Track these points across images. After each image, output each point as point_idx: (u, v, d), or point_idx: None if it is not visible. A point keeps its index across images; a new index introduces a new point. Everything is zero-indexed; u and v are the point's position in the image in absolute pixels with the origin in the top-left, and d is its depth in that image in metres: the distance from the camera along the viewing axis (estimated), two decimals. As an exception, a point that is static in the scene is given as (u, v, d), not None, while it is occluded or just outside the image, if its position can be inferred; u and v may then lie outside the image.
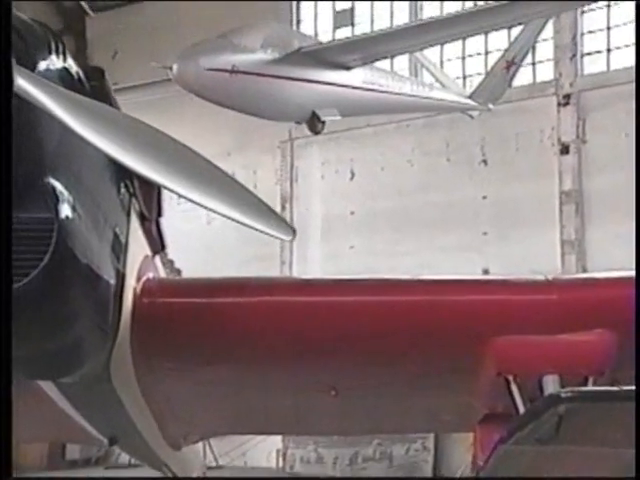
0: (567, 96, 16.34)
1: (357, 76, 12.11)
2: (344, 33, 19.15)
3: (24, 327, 3.36)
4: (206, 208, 2.90)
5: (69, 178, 3.30)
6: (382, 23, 19.01)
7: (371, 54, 11.51)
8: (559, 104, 16.43)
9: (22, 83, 2.67)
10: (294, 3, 20.53)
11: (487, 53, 17.67)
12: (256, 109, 11.26)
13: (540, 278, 4.78)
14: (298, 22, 20.37)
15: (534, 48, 15.80)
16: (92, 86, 3.52)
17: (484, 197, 17.18)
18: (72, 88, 3.09)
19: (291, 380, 5.05)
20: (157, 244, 5.14)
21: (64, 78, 3.13)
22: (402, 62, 17.47)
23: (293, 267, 19.82)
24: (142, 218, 4.62)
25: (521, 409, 4.58)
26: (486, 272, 16.48)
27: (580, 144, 16.18)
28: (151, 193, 4.56)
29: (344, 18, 19.61)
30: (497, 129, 16.83)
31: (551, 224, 16.17)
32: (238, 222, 2.96)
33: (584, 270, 15.63)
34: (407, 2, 18.89)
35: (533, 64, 16.87)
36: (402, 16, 18.76)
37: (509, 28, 14.73)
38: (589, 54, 16.62)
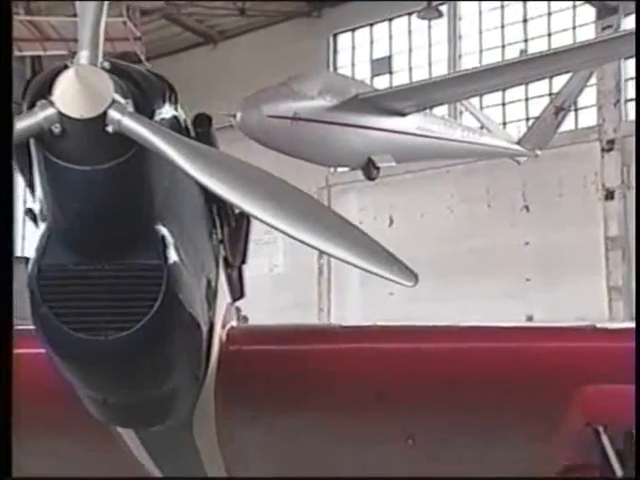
0: (611, 142, 16.28)
1: (411, 122, 12.17)
2: (382, 81, 19.32)
3: (128, 374, 3.32)
4: (326, 254, 2.85)
5: (174, 225, 3.29)
6: (420, 71, 19.21)
7: (426, 101, 11.58)
8: (603, 150, 16.37)
9: (142, 130, 2.68)
10: (331, 50, 20.82)
11: (527, 99, 17.75)
12: (315, 155, 11.30)
13: (631, 325, 4.68)
14: (335, 70, 20.61)
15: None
16: (198, 132, 3.54)
17: (526, 243, 17.05)
18: (180, 134, 3.09)
19: (370, 428, 4.96)
20: (237, 291, 5.11)
21: (173, 125, 3.15)
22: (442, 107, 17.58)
23: (331, 314, 19.72)
24: (226, 264, 4.61)
25: (613, 461, 4.44)
26: (530, 319, 16.26)
27: (625, 190, 16.07)
28: (239, 239, 4.54)
29: (382, 66, 19.81)
30: (538, 175, 16.77)
31: (597, 270, 15.98)
32: (360, 268, 2.90)
33: (633, 317, 15.37)
34: (445, 51, 19.09)
35: (576, 110, 16.88)
36: (440, 66, 18.94)
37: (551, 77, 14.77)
38: (633, 100, 16.60)
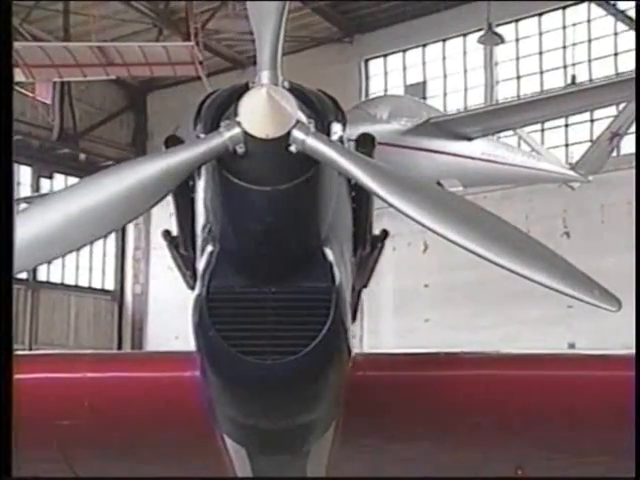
0: (656, 168, 16.19)
1: (477, 147, 12.13)
2: (415, 106, 19.29)
3: (287, 400, 3.19)
4: (526, 278, 2.73)
5: (336, 246, 3.23)
6: (455, 97, 19.22)
7: (493, 126, 11.54)
8: (648, 176, 16.26)
9: (327, 150, 2.58)
10: (364, 76, 20.87)
11: (567, 126, 17.71)
12: (387, 180, 11.19)
13: None
14: (367, 95, 20.63)
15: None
16: (360, 153, 3.48)
17: (568, 269, 16.81)
18: None
19: (481, 457, 4.82)
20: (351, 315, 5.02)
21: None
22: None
23: (364, 341, 19.54)
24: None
25: None
26: (572, 346, 16.09)
27: (671, 216, 15.93)
28: (367, 264, 4.45)
29: (416, 92, 19.79)
30: (579, 201, 16.68)
31: (642, 297, 15.79)
32: (562, 292, 2.79)
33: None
34: (481, 77, 19.12)
35: (619, 136, 16.83)
36: (476, 92, 18.92)
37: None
38: (678, 127, 16.55)
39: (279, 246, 2.86)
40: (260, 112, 2.47)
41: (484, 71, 19.05)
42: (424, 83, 19.84)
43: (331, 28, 21.21)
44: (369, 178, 2.61)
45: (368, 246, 3.95)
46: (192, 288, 3.56)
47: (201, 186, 2.93)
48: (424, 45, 20.04)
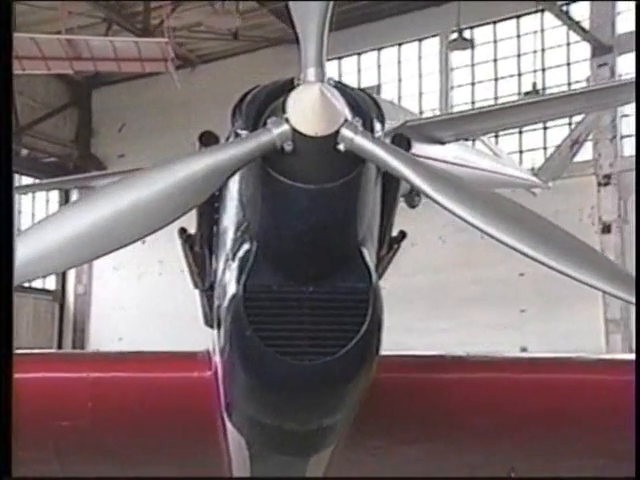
0: (607, 176, 16.61)
1: (449, 151, 12.20)
2: (370, 110, 19.32)
3: (318, 401, 3.14)
4: (583, 282, 2.70)
5: (371, 246, 3.15)
6: (410, 101, 19.36)
7: (465, 131, 11.63)
8: (599, 184, 16.65)
9: (376, 149, 2.55)
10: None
11: (521, 132, 18.02)
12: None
13: None
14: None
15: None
16: None
17: (521, 274, 17.14)
18: None
19: (476, 460, 4.85)
20: None
21: None
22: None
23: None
24: None
25: None
26: (524, 350, 16.34)
27: (622, 224, 16.36)
28: (382, 263, 4.44)
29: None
30: (534, 207, 16.65)
31: (594, 302, 16.13)
32: (622, 299, 2.76)
33: (631, 350, 15.58)
34: (436, 82, 19.32)
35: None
36: (431, 97, 19.09)
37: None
38: (629, 136, 17.01)
39: (320, 245, 2.82)
40: (311, 109, 2.43)
41: (439, 76, 19.25)
42: (379, 86, 19.93)
43: (286, 29, 21.08)
44: (419, 178, 2.54)
45: (386, 247, 3.92)
46: (197, 287, 3.46)
47: (236, 183, 2.85)
48: (379, 49, 20.13)
